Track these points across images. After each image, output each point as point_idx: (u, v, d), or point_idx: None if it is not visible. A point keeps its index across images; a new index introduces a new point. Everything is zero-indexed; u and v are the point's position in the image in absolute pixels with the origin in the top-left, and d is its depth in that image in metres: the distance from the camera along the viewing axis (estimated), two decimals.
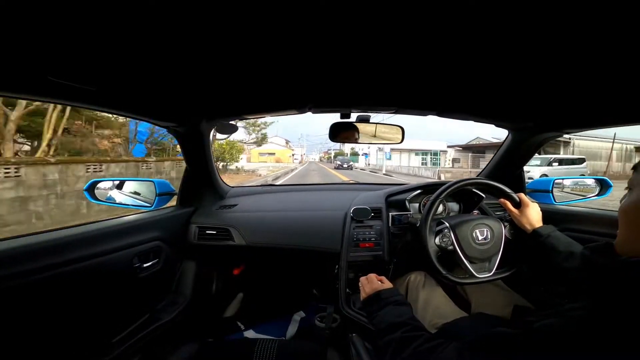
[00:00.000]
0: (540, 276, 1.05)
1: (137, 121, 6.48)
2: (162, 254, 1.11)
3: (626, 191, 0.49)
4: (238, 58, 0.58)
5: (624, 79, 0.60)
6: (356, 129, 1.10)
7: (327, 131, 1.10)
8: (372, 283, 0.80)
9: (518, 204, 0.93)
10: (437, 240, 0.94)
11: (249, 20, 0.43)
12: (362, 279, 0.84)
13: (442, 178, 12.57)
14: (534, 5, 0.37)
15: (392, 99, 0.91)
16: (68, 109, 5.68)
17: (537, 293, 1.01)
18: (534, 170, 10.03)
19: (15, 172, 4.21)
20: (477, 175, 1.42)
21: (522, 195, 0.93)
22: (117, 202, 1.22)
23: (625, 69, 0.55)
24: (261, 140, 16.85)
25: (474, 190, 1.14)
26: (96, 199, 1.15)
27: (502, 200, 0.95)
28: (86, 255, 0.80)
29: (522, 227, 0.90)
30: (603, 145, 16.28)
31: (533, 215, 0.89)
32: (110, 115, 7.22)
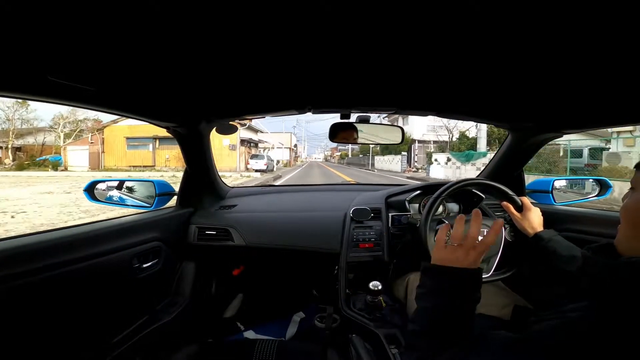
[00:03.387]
0: (540, 277, 1.05)
1: None
2: (162, 255, 1.10)
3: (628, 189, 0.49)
4: (238, 58, 0.58)
5: (623, 79, 0.60)
6: (356, 130, 1.10)
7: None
8: (462, 246, 0.52)
9: (520, 208, 0.92)
10: (436, 238, 0.93)
11: (249, 21, 0.43)
12: (447, 227, 0.59)
13: None
14: (534, 5, 0.37)
15: (392, 99, 0.91)
16: None
17: (537, 293, 1.01)
18: None
19: None
20: (477, 176, 1.42)
21: (525, 199, 0.94)
22: (116, 202, 1.22)
23: (624, 69, 0.55)
24: None
25: (474, 190, 1.14)
26: (95, 199, 1.15)
27: (504, 203, 0.95)
28: (85, 255, 0.80)
29: (523, 231, 0.90)
30: None
31: (535, 219, 0.89)
32: None
